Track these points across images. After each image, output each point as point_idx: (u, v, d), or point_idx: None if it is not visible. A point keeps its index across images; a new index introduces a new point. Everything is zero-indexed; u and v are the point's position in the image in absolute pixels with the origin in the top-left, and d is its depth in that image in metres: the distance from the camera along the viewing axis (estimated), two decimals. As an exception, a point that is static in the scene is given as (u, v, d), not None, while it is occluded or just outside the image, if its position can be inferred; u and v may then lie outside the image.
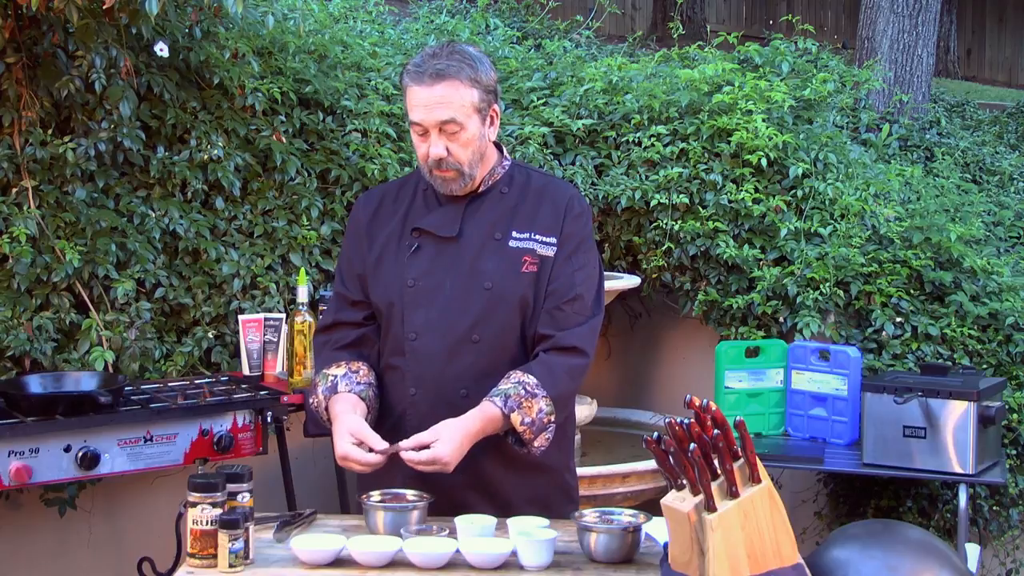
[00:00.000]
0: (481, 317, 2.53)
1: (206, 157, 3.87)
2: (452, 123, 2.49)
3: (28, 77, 3.58)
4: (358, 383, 2.59)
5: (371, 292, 2.63)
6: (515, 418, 2.47)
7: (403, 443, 2.43)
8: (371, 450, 2.44)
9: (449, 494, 2.52)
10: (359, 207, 2.71)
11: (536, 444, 2.52)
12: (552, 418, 2.51)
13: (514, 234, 2.58)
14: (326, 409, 2.60)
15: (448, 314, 2.54)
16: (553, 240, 2.58)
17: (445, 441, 2.41)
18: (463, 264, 2.56)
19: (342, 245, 2.78)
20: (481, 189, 2.61)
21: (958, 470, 3.58)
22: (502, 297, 2.54)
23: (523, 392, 2.48)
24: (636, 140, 4.60)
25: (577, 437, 4.23)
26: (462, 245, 2.57)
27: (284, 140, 4.04)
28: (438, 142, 2.50)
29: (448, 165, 2.52)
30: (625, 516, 2.40)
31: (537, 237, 2.58)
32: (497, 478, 2.57)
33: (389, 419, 2.61)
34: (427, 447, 2.41)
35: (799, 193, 4.44)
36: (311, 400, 2.67)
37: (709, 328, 4.51)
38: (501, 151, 2.67)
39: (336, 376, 2.60)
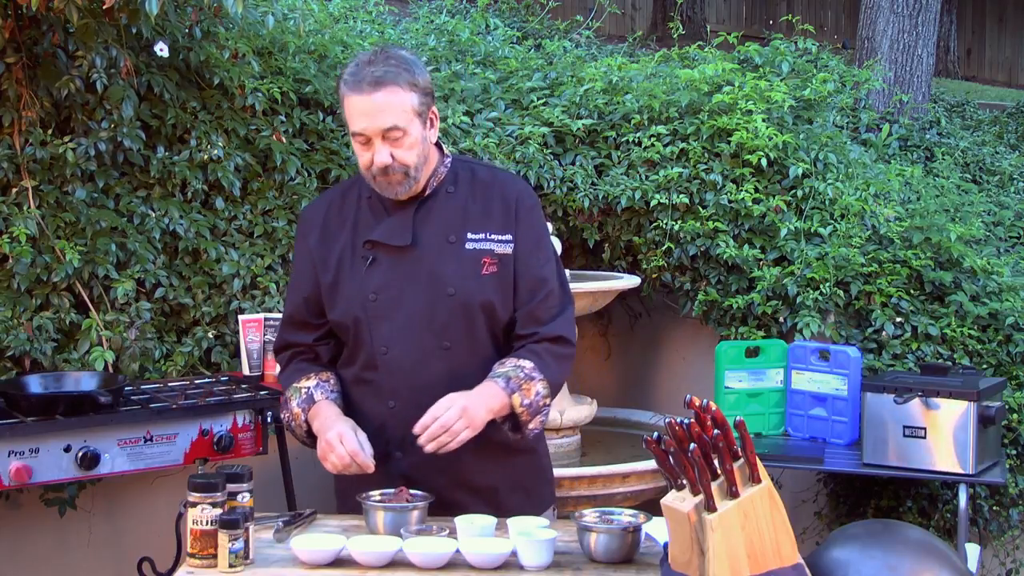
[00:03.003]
0: (448, 323, 2.53)
1: (206, 157, 3.87)
2: (395, 129, 2.47)
3: (28, 77, 3.58)
4: (331, 391, 2.62)
5: (331, 311, 2.61)
6: (516, 399, 2.50)
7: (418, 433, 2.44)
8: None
9: (439, 496, 2.53)
10: (305, 227, 2.68)
11: (531, 427, 2.56)
12: (547, 401, 2.55)
13: (469, 236, 2.57)
14: (306, 421, 2.61)
15: (415, 324, 2.53)
16: (509, 237, 2.58)
17: (453, 396, 2.44)
18: (422, 272, 2.55)
19: (293, 261, 2.76)
20: (427, 192, 2.60)
21: (958, 470, 3.58)
22: (466, 302, 2.54)
23: (522, 375, 2.51)
24: (636, 140, 4.60)
25: (577, 437, 4.23)
26: (418, 252, 2.56)
27: (284, 140, 4.04)
28: (382, 149, 2.48)
29: (394, 170, 2.50)
30: (625, 516, 2.40)
31: (493, 237, 2.58)
32: (477, 469, 2.58)
33: (367, 431, 2.58)
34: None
35: (799, 193, 4.44)
36: (283, 415, 2.69)
37: (709, 328, 4.51)
38: (441, 150, 2.65)
39: (309, 387, 2.62)
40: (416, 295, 2.54)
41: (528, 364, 2.53)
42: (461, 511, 2.48)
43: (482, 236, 2.57)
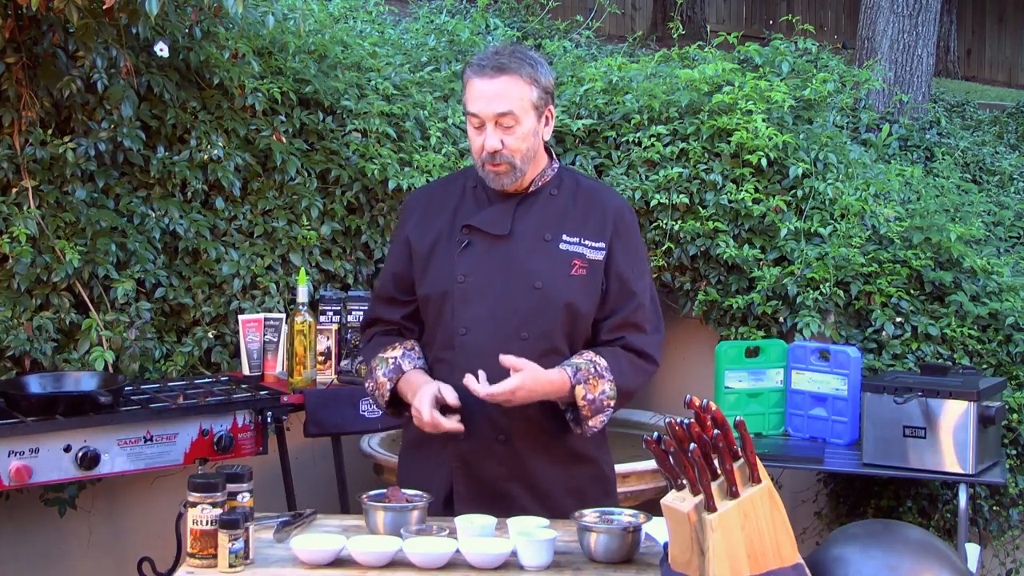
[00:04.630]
0: (530, 315, 2.58)
1: (206, 157, 3.87)
2: (509, 116, 2.55)
3: (28, 77, 3.58)
4: (418, 358, 2.67)
5: (420, 287, 2.67)
6: (579, 391, 2.55)
7: (479, 386, 2.50)
8: (445, 408, 2.53)
9: (493, 486, 2.60)
10: (407, 208, 2.76)
11: (591, 423, 2.60)
12: (612, 403, 2.60)
13: (564, 237, 2.63)
14: (391, 390, 2.65)
15: (498, 311, 2.58)
16: (602, 245, 2.64)
17: (528, 374, 2.49)
18: (513, 262, 2.60)
19: (390, 243, 2.81)
20: (531, 189, 2.66)
21: (958, 470, 3.58)
22: (551, 297, 2.59)
23: (592, 370, 2.57)
24: (636, 140, 4.60)
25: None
26: (512, 244, 2.62)
27: (284, 140, 4.04)
28: (494, 135, 2.55)
29: (502, 158, 2.57)
30: (625, 516, 2.40)
31: (587, 242, 2.64)
32: (539, 470, 2.62)
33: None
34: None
35: (799, 193, 4.44)
36: (367, 384, 2.73)
37: (709, 328, 4.51)
38: (551, 155, 2.71)
39: (396, 357, 2.66)
40: (503, 284, 2.59)
41: (602, 362, 2.59)
42: (514, 505, 2.53)
43: (577, 240, 2.63)
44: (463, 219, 2.65)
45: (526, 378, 2.49)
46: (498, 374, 2.54)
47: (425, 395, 2.53)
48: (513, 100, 2.55)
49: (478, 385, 2.49)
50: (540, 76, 2.59)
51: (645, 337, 2.66)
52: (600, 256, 2.63)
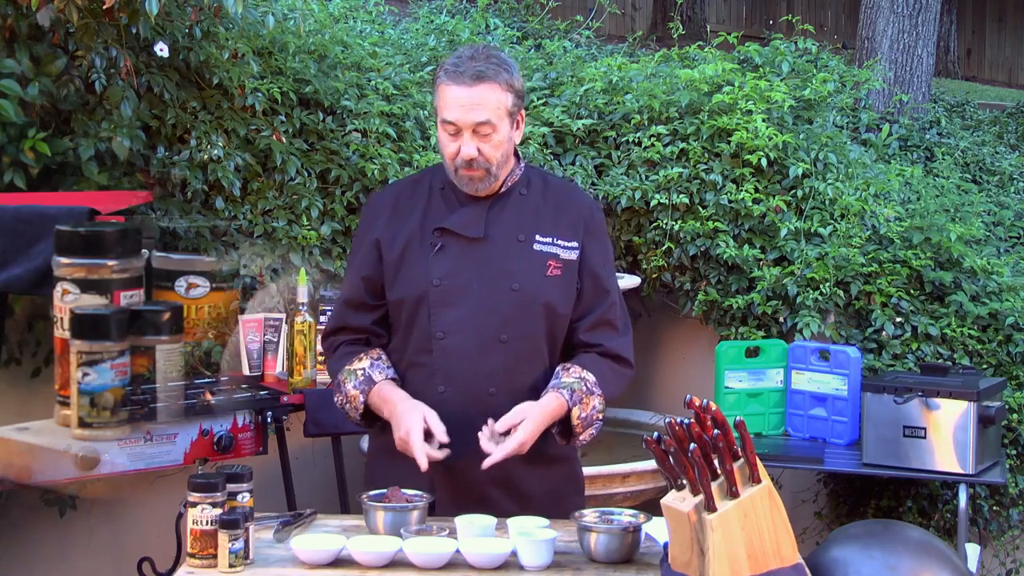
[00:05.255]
0: (509, 318, 2.57)
1: (206, 157, 3.87)
2: (487, 124, 2.52)
3: (28, 77, 3.58)
4: (387, 367, 2.64)
5: (391, 289, 2.63)
6: (575, 412, 2.57)
7: (486, 434, 2.48)
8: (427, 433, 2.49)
9: (475, 489, 2.58)
10: (373, 210, 2.72)
11: (582, 438, 2.62)
12: (600, 416, 2.62)
13: (538, 238, 2.62)
14: (364, 403, 2.62)
15: (476, 314, 2.57)
16: (575, 244, 2.63)
17: (530, 422, 2.49)
18: (490, 264, 2.59)
19: (352, 246, 2.79)
20: (502, 190, 2.64)
21: (958, 470, 3.59)
22: (529, 299, 2.58)
23: (584, 388, 2.58)
24: (636, 140, 4.60)
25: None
26: (487, 246, 2.60)
27: (284, 140, 4.04)
28: (470, 143, 2.53)
29: (478, 165, 2.55)
30: (625, 516, 2.40)
31: (560, 242, 2.63)
32: (518, 473, 2.61)
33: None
34: (507, 432, 2.49)
35: (799, 193, 4.44)
36: (336, 398, 2.69)
37: (709, 328, 4.51)
38: (517, 155, 2.70)
39: (364, 368, 2.63)
40: (481, 287, 2.58)
41: (591, 378, 2.60)
42: (495, 509, 2.52)
43: (550, 240, 2.62)
44: (434, 221, 2.62)
45: (529, 427, 2.50)
46: (478, 377, 2.55)
47: (413, 428, 2.48)
48: (491, 109, 2.52)
49: (491, 447, 2.47)
50: (515, 81, 2.57)
51: (620, 339, 2.68)
52: (574, 256, 2.63)
